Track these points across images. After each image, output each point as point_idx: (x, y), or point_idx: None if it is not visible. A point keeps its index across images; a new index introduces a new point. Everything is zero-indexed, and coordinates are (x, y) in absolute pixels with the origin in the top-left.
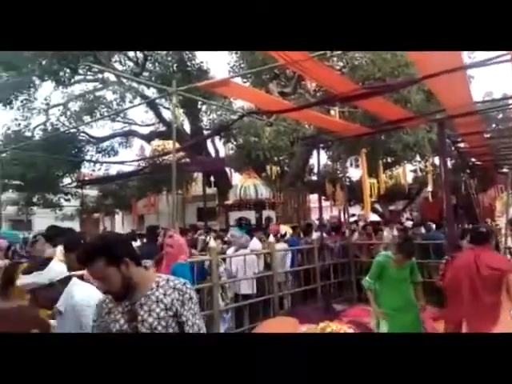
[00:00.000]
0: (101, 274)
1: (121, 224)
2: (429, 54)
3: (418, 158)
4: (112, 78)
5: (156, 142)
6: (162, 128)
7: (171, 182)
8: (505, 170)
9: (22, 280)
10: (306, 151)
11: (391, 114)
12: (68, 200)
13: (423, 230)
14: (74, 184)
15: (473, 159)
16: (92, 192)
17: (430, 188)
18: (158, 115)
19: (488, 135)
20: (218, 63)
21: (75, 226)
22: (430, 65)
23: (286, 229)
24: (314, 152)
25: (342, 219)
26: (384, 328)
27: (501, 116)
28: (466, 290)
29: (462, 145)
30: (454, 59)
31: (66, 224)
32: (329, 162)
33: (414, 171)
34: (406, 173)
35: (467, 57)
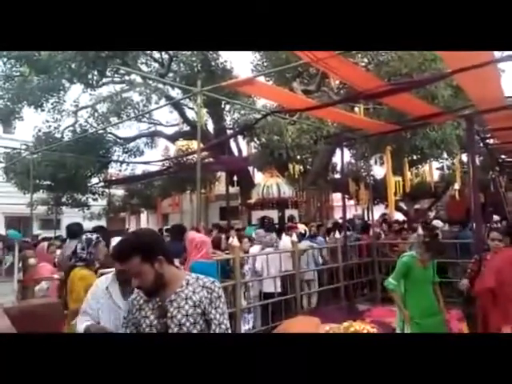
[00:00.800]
0: (135, 270)
1: (146, 223)
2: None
3: (444, 155)
4: (138, 79)
5: (180, 142)
6: (186, 128)
7: (195, 182)
8: None
9: None
10: (330, 149)
11: (418, 110)
12: (95, 199)
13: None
14: (102, 184)
15: (503, 156)
16: (118, 191)
17: (456, 186)
18: (182, 115)
19: None
20: (241, 62)
21: (102, 224)
22: (458, 59)
23: (302, 228)
24: (338, 150)
25: (366, 218)
26: (410, 330)
27: None
28: (509, 292)
29: (491, 141)
30: (484, 53)
31: (94, 223)
32: (352, 160)
33: (441, 169)
34: (433, 170)
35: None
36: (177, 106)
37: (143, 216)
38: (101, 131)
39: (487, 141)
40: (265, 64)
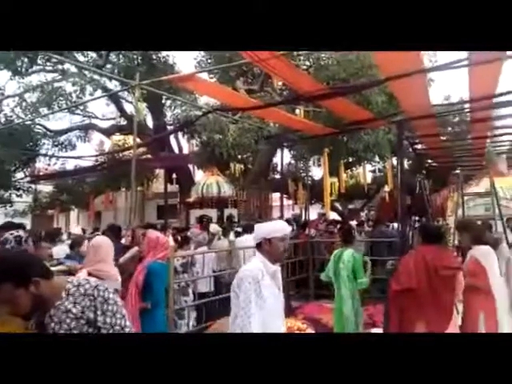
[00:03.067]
0: (7, 297)
1: (76, 221)
2: (391, 56)
3: (377, 158)
4: (73, 69)
5: (116, 137)
6: (123, 122)
7: (131, 178)
8: (457, 171)
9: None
10: (270, 149)
11: (354, 114)
12: (20, 196)
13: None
14: (28, 179)
15: (429, 160)
16: (46, 188)
17: (387, 188)
18: (120, 109)
19: (444, 137)
20: (183, 58)
21: (27, 222)
22: (392, 67)
23: (216, 228)
24: (278, 150)
25: (303, 217)
26: None
27: (457, 119)
28: (424, 290)
29: (419, 146)
30: (415, 62)
31: (17, 221)
32: (292, 161)
33: (373, 171)
34: (366, 173)
35: (428, 60)
36: (114, 98)
37: (73, 214)
38: (28, 122)
39: (415, 146)
40: (209, 61)
